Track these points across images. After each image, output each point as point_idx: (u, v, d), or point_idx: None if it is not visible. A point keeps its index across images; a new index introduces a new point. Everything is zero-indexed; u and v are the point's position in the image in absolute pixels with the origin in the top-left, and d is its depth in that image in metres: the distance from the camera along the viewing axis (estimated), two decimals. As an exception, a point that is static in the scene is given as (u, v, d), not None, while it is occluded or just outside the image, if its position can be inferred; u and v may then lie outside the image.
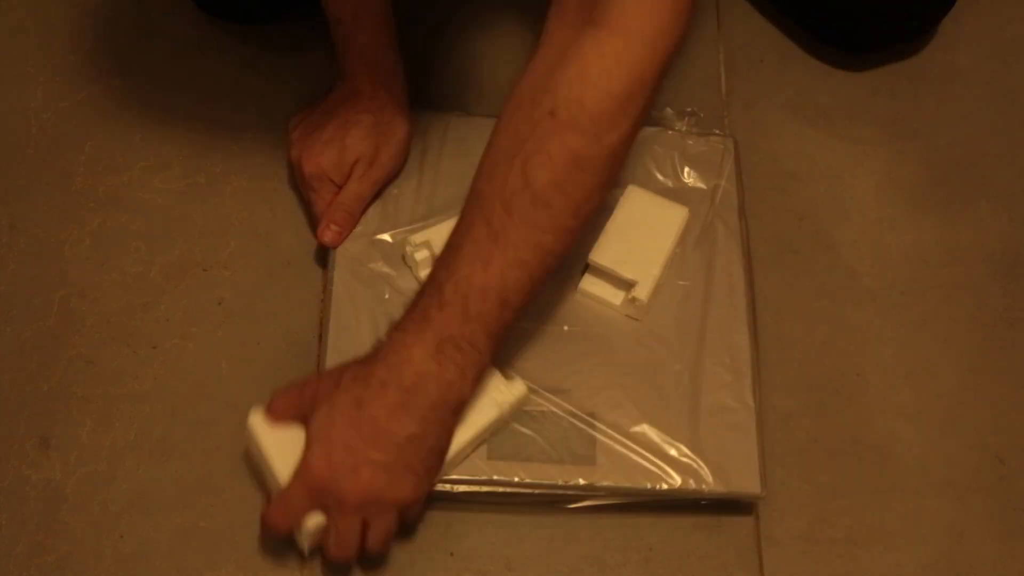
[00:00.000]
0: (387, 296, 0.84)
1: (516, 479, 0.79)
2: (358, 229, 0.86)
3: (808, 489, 0.84)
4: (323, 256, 0.88)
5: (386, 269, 0.85)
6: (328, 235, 0.85)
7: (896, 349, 0.89)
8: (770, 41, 0.99)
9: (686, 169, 0.90)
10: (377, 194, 0.87)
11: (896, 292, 0.91)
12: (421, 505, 0.75)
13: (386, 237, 0.86)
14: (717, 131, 0.93)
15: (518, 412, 0.80)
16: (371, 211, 0.87)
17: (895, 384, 0.88)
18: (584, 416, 0.81)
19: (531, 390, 0.81)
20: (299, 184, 0.88)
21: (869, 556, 0.82)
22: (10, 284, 0.88)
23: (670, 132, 0.92)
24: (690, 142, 0.92)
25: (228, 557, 0.80)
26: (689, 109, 0.93)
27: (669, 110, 0.93)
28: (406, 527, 0.77)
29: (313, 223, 0.88)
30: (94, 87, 0.95)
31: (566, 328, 0.84)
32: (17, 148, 0.92)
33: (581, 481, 0.79)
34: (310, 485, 0.71)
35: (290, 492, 0.71)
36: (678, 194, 0.89)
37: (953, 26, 0.99)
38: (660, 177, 0.90)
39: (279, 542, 0.78)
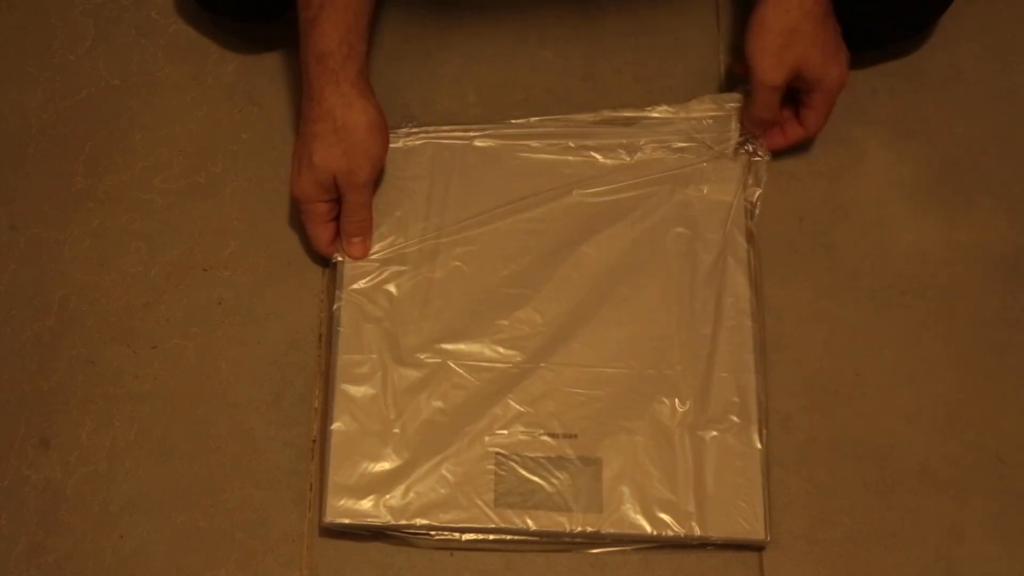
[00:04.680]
0: (394, 332, 0.84)
1: (523, 527, 0.79)
2: (369, 259, 0.85)
3: (808, 489, 0.84)
4: (323, 258, 0.88)
5: (394, 297, 0.84)
6: (354, 250, 0.84)
7: (896, 349, 0.89)
8: (770, 41, 0.99)
9: (704, 187, 0.89)
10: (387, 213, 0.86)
11: (896, 292, 0.90)
12: None
13: (395, 268, 0.85)
14: (750, 144, 0.91)
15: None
16: (378, 239, 0.86)
17: (895, 384, 0.88)
18: (591, 462, 0.81)
19: (541, 434, 0.81)
20: None
21: (869, 556, 0.82)
22: (10, 284, 0.88)
23: (688, 145, 0.90)
24: (705, 163, 0.89)
25: (228, 557, 0.80)
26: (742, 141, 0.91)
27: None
28: None
29: (313, 245, 0.87)
30: (94, 87, 0.95)
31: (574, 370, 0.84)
32: (17, 148, 0.92)
33: (588, 529, 0.79)
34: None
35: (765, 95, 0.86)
36: (692, 210, 0.88)
37: (953, 26, 0.99)
38: (675, 190, 0.88)
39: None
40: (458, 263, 0.86)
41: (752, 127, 0.89)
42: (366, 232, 0.85)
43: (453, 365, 0.83)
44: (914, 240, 0.92)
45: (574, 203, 0.88)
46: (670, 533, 0.79)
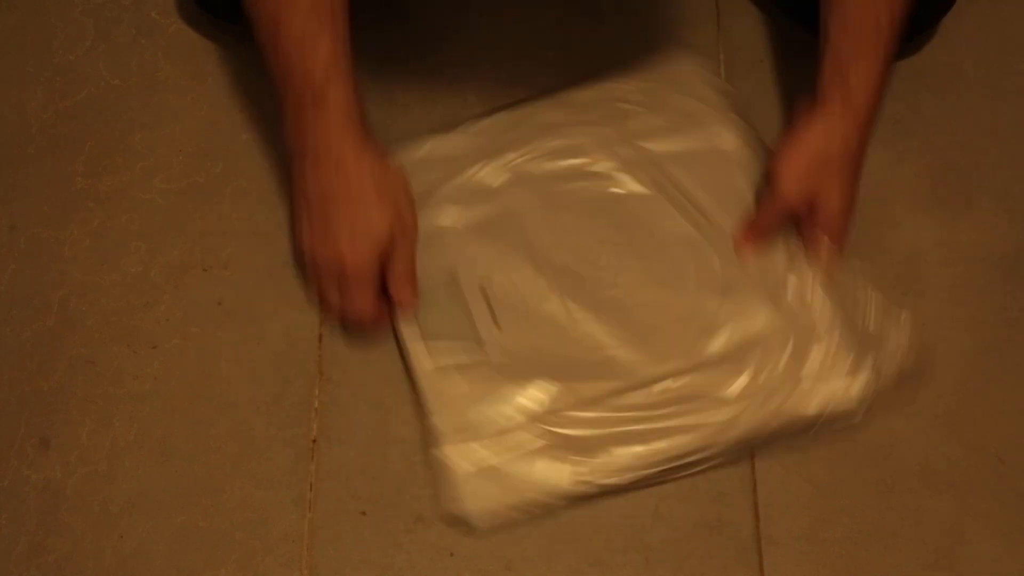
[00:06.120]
0: None
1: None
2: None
3: (808, 489, 0.84)
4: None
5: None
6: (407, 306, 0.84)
7: (896, 349, 0.89)
8: (770, 41, 0.99)
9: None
10: None
11: (896, 292, 0.90)
12: None
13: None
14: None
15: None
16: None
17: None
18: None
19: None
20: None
21: (869, 556, 0.82)
22: (10, 284, 0.88)
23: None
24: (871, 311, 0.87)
25: (228, 557, 0.80)
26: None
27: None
28: None
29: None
30: (94, 87, 0.95)
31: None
32: (17, 148, 0.92)
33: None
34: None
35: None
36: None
37: (953, 26, 0.99)
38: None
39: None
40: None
41: (749, 231, 0.87)
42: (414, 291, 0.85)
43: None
44: (914, 240, 0.92)
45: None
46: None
